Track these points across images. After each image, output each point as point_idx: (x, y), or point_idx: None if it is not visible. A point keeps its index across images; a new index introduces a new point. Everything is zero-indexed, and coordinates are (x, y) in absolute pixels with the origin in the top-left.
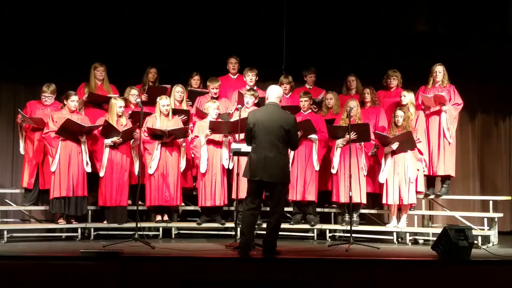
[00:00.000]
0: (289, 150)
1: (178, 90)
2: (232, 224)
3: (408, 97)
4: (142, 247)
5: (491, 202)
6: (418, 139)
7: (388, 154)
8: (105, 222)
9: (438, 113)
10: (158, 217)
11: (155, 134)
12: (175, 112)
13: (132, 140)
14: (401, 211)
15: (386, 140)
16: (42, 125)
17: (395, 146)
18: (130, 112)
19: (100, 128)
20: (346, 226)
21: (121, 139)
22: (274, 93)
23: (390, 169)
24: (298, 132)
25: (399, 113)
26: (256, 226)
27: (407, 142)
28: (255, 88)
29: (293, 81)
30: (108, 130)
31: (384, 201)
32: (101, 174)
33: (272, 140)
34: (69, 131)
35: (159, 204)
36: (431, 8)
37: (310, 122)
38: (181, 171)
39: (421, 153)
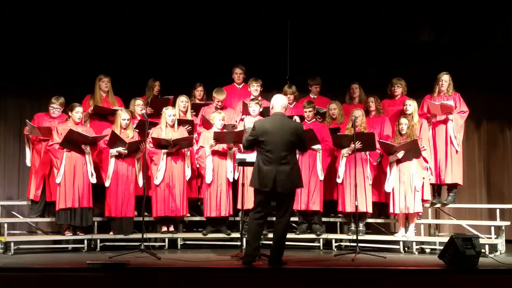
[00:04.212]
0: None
1: (182, 100)
2: (237, 235)
3: (413, 106)
4: (148, 258)
5: (498, 211)
6: (423, 147)
7: (393, 163)
8: (111, 233)
9: (445, 121)
10: (164, 228)
11: (160, 144)
12: (180, 122)
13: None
14: (409, 220)
15: (391, 148)
16: (50, 135)
17: (400, 154)
18: (136, 122)
19: (105, 138)
20: (352, 235)
21: (126, 150)
22: (279, 102)
23: (396, 178)
24: None
25: (404, 121)
26: (262, 236)
27: (413, 150)
28: (259, 98)
29: (297, 91)
30: (114, 140)
31: (391, 211)
32: (107, 184)
33: (283, 151)
34: (73, 142)
35: (165, 215)
36: (433, 17)
37: (313, 131)
38: (187, 179)
39: (426, 161)
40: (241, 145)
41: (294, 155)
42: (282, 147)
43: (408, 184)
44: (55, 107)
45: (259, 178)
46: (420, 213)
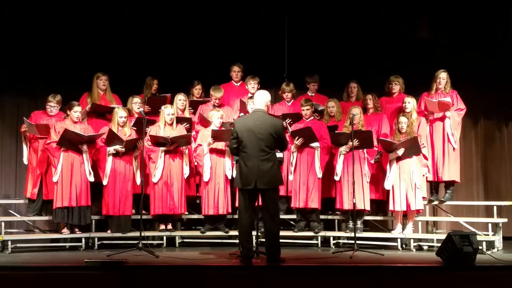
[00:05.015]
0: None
1: (180, 98)
2: (235, 232)
3: (412, 104)
4: (146, 256)
5: (495, 208)
6: (423, 144)
7: (393, 161)
8: (109, 231)
9: (442, 119)
10: (162, 226)
11: (158, 142)
12: (178, 120)
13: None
14: (407, 218)
15: (391, 146)
16: (47, 133)
17: (400, 152)
18: (134, 120)
19: (101, 137)
20: (350, 233)
21: (123, 148)
22: (261, 99)
23: (396, 175)
24: (300, 139)
25: (403, 119)
26: (259, 234)
27: (413, 148)
28: None
29: (294, 89)
30: (111, 138)
31: (391, 208)
32: (104, 182)
33: (262, 148)
34: (70, 141)
35: (163, 213)
36: (432, 15)
37: (311, 129)
38: (185, 177)
39: (426, 158)
40: None
41: (275, 152)
42: (262, 143)
43: (408, 182)
44: (52, 105)
45: (242, 177)
46: (420, 211)
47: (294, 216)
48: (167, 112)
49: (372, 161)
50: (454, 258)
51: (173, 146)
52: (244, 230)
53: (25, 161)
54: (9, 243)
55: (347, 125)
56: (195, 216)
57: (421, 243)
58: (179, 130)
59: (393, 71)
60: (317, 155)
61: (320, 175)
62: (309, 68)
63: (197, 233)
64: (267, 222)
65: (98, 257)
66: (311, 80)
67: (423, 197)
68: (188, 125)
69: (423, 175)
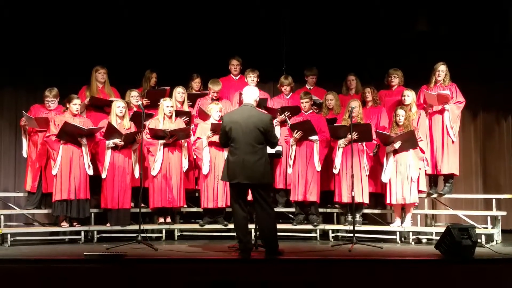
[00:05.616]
0: (269, 148)
1: (179, 91)
2: None
3: (411, 97)
4: (145, 249)
5: (494, 201)
6: (420, 137)
7: (390, 154)
8: (108, 224)
9: (441, 112)
10: (161, 219)
11: (157, 135)
12: (177, 113)
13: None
14: (405, 211)
15: (388, 139)
16: (47, 126)
17: (397, 145)
18: (131, 113)
19: (101, 130)
20: (349, 226)
21: (122, 141)
22: (251, 94)
23: (393, 168)
24: (299, 132)
25: (401, 112)
26: (257, 227)
27: (409, 141)
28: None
29: (293, 82)
30: (110, 131)
31: (388, 201)
32: (103, 176)
33: (249, 142)
34: (69, 134)
35: (162, 206)
36: (432, 10)
37: (310, 122)
38: (184, 171)
39: (423, 151)
40: None
41: (263, 148)
42: (248, 138)
43: (404, 175)
44: (50, 99)
45: (228, 171)
46: (416, 204)
47: (293, 209)
48: (166, 105)
49: (371, 154)
50: (453, 251)
51: (172, 139)
52: (240, 223)
53: (25, 154)
54: (9, 236)
55: (346, 118)
56: (194, 209)
57: (420, 236)
58: (178, 123)
59: (393, 64)
60: (316, 148)
61: (319, 168)
62: (308, 61)
63: (196, 226)
64: (260, 216)
65: (97, 250)
66: (309, 73)
67: (422, 191)
68: (187, 118)
69: (420, 169)
